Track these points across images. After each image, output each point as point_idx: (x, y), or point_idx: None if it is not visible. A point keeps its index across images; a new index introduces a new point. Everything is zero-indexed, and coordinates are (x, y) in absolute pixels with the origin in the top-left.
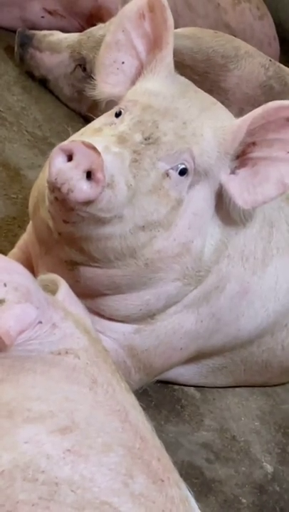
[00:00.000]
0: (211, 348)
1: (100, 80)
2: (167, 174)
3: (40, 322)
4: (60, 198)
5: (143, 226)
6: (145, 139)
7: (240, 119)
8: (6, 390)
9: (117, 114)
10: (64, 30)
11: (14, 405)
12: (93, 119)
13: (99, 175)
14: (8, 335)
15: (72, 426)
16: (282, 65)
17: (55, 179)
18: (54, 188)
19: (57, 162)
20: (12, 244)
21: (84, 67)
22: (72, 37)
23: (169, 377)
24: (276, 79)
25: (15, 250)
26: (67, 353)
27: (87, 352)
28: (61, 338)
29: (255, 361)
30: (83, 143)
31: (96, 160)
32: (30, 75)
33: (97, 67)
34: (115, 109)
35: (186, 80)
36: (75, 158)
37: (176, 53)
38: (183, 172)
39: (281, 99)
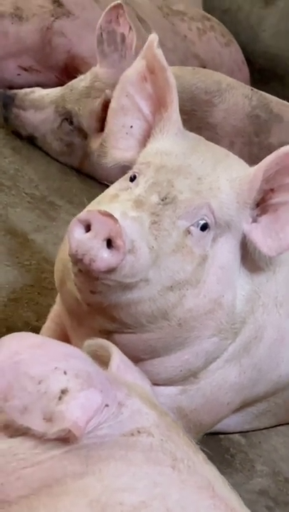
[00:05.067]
0: (255, 396)
1: (111, 147)
2: (189, 231)
3: (107, 405)
4: (84, 270)
5: (171, 286)
6: (162, 200)
7: (255, 167)
8: (90, 484)
9: (132, 179)
10: (42, 85)
11: (104, 501)
12: (84, 172)
13: (119, 242)
14: (77, 426)
15: None
16: (264, 93)
17: (76, 251)
18: (76, 260)
19: (76, 234)
20: (36, 314)
21: (70, 121)
22: (55, 92)
23: (214, 428)
24: (261, 107)
25: (48, 324)
26: (139, 432)
27: (158, 427)
28: (130, 416)
29: None
30: (99, 211)
31: (114, 227)
32: (17, 134)
33: (106, 134)
34: (129, 174)
35: (196, 135)
36: (93, 227)
37: None
38: (204, 227)
39: (268, 127)
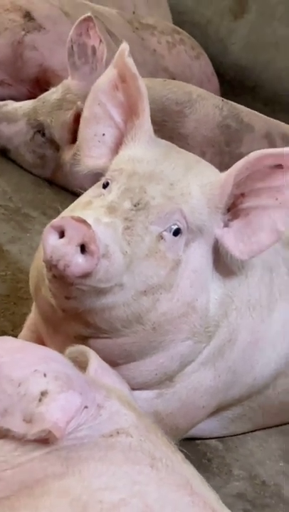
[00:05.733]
0: (231, 399)
1: (84, 155)
2: (161, 237)
3: (86, 407)
4: (58, 275)
5: (145, 291)
6: (135, 206)
7: (226, 172)
8: (71, 484)
9: (105, 185)
10: (13, 99)
11: (85, 500)
12: (57, 183)
13: (92, 247)
14: (57, 427)
15: (147, 510)
16: (234, 103)
17: (51, 257)
18: (51, 265)
19: (50, 240)
20: (12, 323)
21: (43, 133)
22: (27, 104)
23: (191, 433)
24: (232, 117)
25: (24, 332)
26: (118, 433)
27: (137, 428)
28: (109, 418)
29: (272, 404)
30: (73, 217)
31: (87, 232)
32: None
33: (79, 142)
34: (102, 181)
35: (168, 142)
36: (66, 233)
37: None
38: (176, 232)
39: (239, 136)
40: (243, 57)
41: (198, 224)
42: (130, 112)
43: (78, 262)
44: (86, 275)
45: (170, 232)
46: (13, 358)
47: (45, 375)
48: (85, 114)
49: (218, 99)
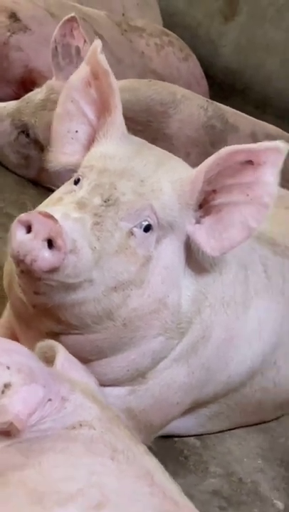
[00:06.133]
0: (206, 397)
1: (57, 151)
2: (132, 233)
3: (50, 399)
4: (26, 270)
5: (115, 287)
6: (105, 202)
7: (196, 169)
8: (30, 475)
9: (76, 182)
10: None
11: (42, 490)
12: (41, 184)
13: (59, 241)
14: (18, 419)
15: (103, 500)
16: (219, 104)
17: (18, 252)
18: (18, 261)
19: (17, 235)
20: None
21: (27, 133)
22: (11, 105)
23: (168, 431)
24: (216, 118)
25: None
26: (81, 425)
27: (100, 421)
28: (73, 411)
29: (250, 402)
30: (40, 213)
31: (54, 227)
32: None
33: (52, 138)
34: (74, 177)
35: (140, 139)
36: (33, 228)
37: None
38: (147, 228)
39: (224, 137)
40: (233, 59)
41: (169, 220)
42: (103, 108)
43: (45, 257)
44: (53, 270)
45: (140, 228)
46: None
47: (8, 367)
48: (58, 111)
49: (202, 100)
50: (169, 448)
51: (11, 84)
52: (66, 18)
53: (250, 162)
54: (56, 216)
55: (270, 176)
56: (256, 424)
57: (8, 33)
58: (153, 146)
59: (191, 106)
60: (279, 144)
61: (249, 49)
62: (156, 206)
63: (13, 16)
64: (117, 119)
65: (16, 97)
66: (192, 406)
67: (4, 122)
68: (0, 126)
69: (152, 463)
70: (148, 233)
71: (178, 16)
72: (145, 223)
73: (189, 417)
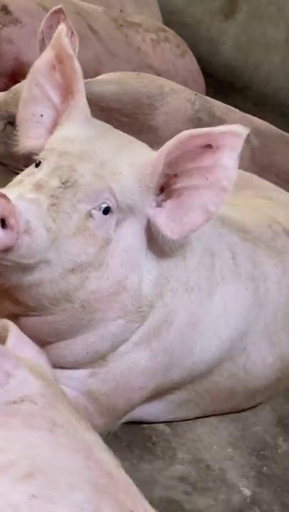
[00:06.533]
0: (171, 383)
1: (22, 135)
2: (90, 215)
3: None
4: None
5: (72, 269)
6: (63, 183)
7: (157, 152)
8: None
9: (37, 165)
10: None
11: None
12: None
13: (11, 221)
14: None
15: (35, 471)
16: (208, 98)
17: None
18: None
19: None
20: None
21: (14, 124)
22: None
23: (137, 416)
24: (204, 111)
25: None
26: (22, 400)
27: (43, 397)
28: (16, 386)
29: (220, 389)
30: None
31: (6, 206)
32: None
33: (18, 122)
34: (36, 161)
35: (103, 123)
36: None
37: (102, 99)
38: (106, 211)
39: None
40: (233, 57)
41: (128, 203)
42: (67, 92)
43: None
44: (7, 250)
45: (100, 210)
46: None
47: None
48: (23, 95)
49: (190, 93)
50: (136, 434)
51: (2, 76)
52: (53, 9)
53: (209, 146)
54: (11, 196)
55: (228, 159)
56: (230, 412)
57: None
58: (117, 130)
59: (178, 99)
60: (237, 127)
61: (249, 47)
62: (115, 189)
63: (4, 9)
64: (80, 102)
65: (6, 89)
66: (158, 392)
67: None
68: None
69: (93, 438)
70: (107, 216)
71: (177, 13)
72: (104, 206)
73: (157, 403)
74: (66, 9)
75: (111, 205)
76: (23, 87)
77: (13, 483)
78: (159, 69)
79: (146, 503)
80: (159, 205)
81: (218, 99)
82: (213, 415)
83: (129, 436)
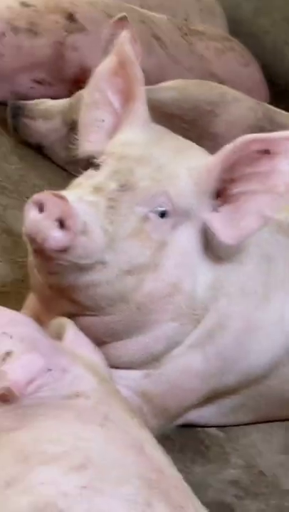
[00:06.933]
0: (225, 387)
1: (83, 139)
2: (147, 217)
3: (50, 369)
4: (38, 249)
5: (129, 270)
6: (121, 187)
7: (214, 156)
8: (19, 436)
9: (96, 168)
10: (53, 98)
11: (29, 450)
12: None
13: (69, 222)
14: (17, 386)
15: (86, 463)
16: (271, 107)
17: (30, 230)
18: (31, 239)
19: (30, 214)
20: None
21: (76, 130)
22: (63, 102)
23: (190, 419)
24: (266, 120)
25: (23, 310)
26: (77, 395)
27: (97, 392)
28: (71, 381)
29: (274, 394)
30: (52, 193)
31: (64, 207)
32: (25, 143)
33: (79, 127)
34: (95, 164)
35: (163, 128)
36: (45, 208)
37: (163, 105)
38: (163, 214)
39: None
40: None
41: (185, 207)
42: (128, 97)
43: (55, 236)
44: (64, 250)
45: (156, 213)
46: None
47: (11, 337)
48: (85, 100)
49: (253, 102)
50: (189, 437)
51: (66, 83)
52: (117, 17)
53: (266, 151)
54: (70, 198)
55: (286, 165)
56: (285, 420)
57: (65, 33)
58: (175, 135)
59: (241, 107)
60: None
61: None
62: (172, 193)
63: (70, 17)
64: (140, 107)
65: (70, 95)
66: (212, 396)
67: (55, 120)
68: (51, 123)
69: (145, 435)
70: (163, 219)
71: (244, 24)
72: (161, 209)
73: (211, 406)
74: (131, 17)
75: (168, 208)
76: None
77: (66, 473)
78: (222, 77)
79: (196, 501)
80: (215, 210)
81: (281, 109)
82: (266, 421)
83: (183, 439)
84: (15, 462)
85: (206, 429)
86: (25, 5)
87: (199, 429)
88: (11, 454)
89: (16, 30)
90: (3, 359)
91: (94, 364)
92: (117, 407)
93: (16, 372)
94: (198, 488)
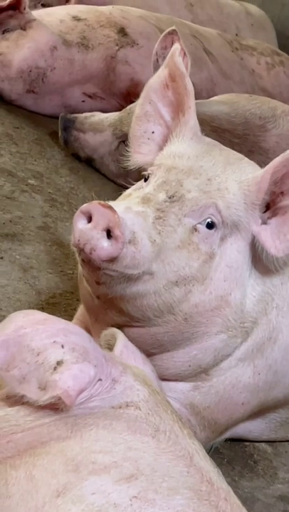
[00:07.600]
0: (274, 400)
1: (133, 151)
2: (195, 229)
3: (100, 379)
4: (86, 259)
5: (176, 281)
6: (169, 198)
7: (263, 169)
8: (70, 446)
9: (146, 180)
10: (104, 111)
11: (79, 459)
12: None
13: (117, 232)
14: (67, 395)
15: (137, 473)
16: None
17: (78, 240)
18: (79, 249)
19: (79, 224)
20: (72, 318)
21: (127, 143)
22: (113, 115)
23: (239, 434)
24: None
25: (74, 321)
26: (128, 405)
27: (147, 403)
28: (122, 391)
29: None
30: (100, 203)
31: (112, 218)
32: (76, 156)
33: (130, 139)
34: (144, 175)
35: (212, 140)
36: (93, 218)
37: (214, 119)
38: (211, 226)
39: None
40: None
41: (234, 219)
42: (178, 110)
43: (103, 246)
44: (112, 260)
45: (204, 225)
46: (35, 330)
47: (63, 346)
48: (136, 112)
49: None
50: (238, 451)
51: (117, 96)
52: (167, 31)
53: None
54: (118, 209)
55: None
56: None
57: (116, 47)
58: (225, 147)
59: None
60: None
61: None
62: (221, 205)
63: (122, 31)
64: (190, 119)
65: (120, 109)
66: (261, 409)
67: (106, 132)
68: (101, 136)
69: (195, 446)
70: (212, 231)
71: None
72: (209, 221)
73: (260, 421)
74: (182, 31)
75: (216, 220)
76: (136, 105)
77: (116, 483)
78: (272, 92)
79: None
80: (264, 222)
81: None
82: None
83: (231, 453)
84: (65, 471)
85: (254, 443)
86: (77, 19)
87: (248, 443)
88: (61, 463)
89: (67, 43)
90: (55, 368)
91: (144, 375)
92: (168, 418)
93: (67, 382)
94: (246, 503)
